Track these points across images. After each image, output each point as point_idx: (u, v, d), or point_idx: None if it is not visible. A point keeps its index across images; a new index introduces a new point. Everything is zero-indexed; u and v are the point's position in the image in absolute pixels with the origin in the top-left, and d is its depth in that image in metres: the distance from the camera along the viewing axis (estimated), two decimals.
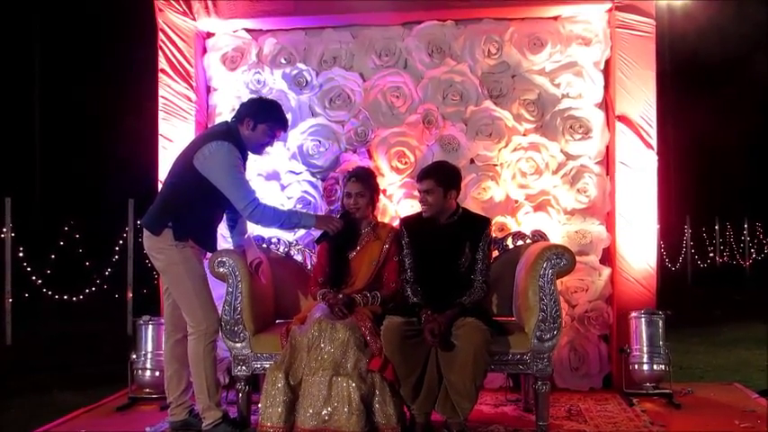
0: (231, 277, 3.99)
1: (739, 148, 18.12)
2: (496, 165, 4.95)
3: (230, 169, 3.84)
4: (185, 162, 3.89)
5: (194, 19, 5.02)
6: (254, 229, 4.53)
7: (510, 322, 4.08)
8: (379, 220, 4.38)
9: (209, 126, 5.00)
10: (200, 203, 3.90)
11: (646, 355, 4.55)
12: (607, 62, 4.95)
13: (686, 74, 16.58)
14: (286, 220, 3.97)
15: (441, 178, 3.93)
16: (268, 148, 4.22)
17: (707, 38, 14.46)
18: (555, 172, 4.90)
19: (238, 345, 4.00)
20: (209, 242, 4.06)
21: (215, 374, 3.94)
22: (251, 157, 4.16)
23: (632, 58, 4.81)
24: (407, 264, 4.01)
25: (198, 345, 3.88)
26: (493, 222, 4.52)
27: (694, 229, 15.67)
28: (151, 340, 4.66)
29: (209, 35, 5.20)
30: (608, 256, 4.91)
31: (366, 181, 4.14)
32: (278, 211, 3.99)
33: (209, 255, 4.10)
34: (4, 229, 7.76)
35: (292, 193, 4.97)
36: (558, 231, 4.85)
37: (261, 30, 5.15)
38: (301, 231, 4.81)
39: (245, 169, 4.00)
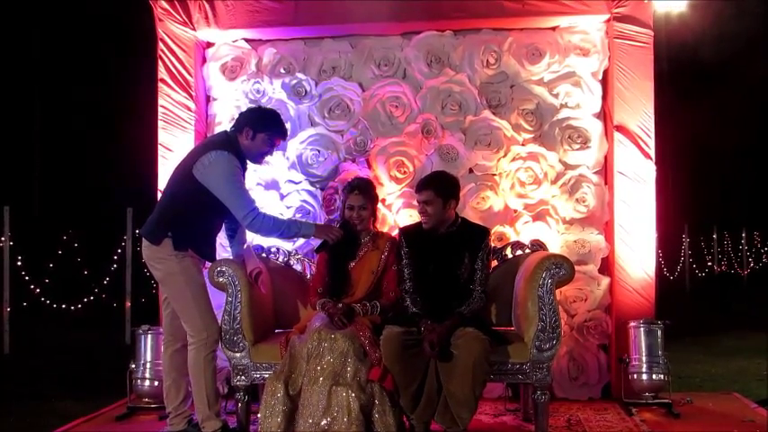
0: (231, 287, 3.99)
1: (737, 157, 18.17)
2: (495, 174, 4.96)
3: (230, 178, 3.85)
4: (185, 172, 3.90)
5: (194, 29, 5.03)
6: (253, 238, 4.54)
7: (509, 332, 4.08)
8: (378, 229, 4.38)
9: (208, 136, 5.01)
10: (199, 213, 3.91)
11: (645, 365, 4.55)
12: (605, 72, 4.97)
13: (684, 84, 16.63)
14: (285, 229, 3.98)
15: (440, 189, 3.94)
16: (267, 158, 4.23)
17: (704, 43, 14.50)
18: (553, 182, 4.91)
19: (238, 354, 3.99)
20: (208, 251, 4.06)
21: (215, 384, 3.93)
22: (250, 166, 4.17)
23: (630, 68, 4.83)
24: (407, 274, 4.01)
25: (198, 354, 3.88)
26: (492, 232, 4.53)
27: (692, 238, 15.69)
28: (150, 350, 4.65)
29: (209, 45, 5.21)
30: (607, 266, 4.91)
31: (368, 193, 4.14)
32: (277, 220, 4.00)
33: (208, 264, 4.11)
34: (3, 238, 7.75)
35: (291, 202, 4.98)
36: (557, 241, 4.86)
37: (260, 40, 5.17)
38: (301, 241, 4.82)
39: (244, 179, 4.01)
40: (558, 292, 3.95)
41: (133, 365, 4.65)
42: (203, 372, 3.87)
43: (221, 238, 4.29)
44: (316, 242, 4.44)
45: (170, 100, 5.03)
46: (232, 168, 3.85)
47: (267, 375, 3.90)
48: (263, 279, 4.08)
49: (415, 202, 4.12)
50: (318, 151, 5.00)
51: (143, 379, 4.63)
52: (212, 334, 3.90)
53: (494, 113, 4.96)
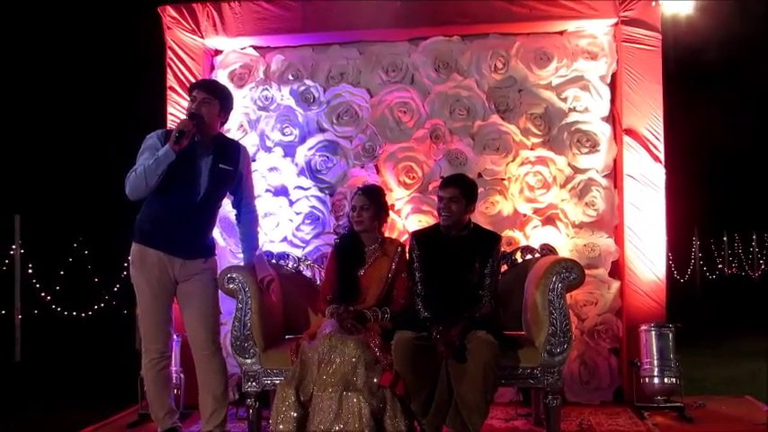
0: (241, 293, 4.00)
1: (747, 159, 18.09)
2: (504, 179, 4.95)
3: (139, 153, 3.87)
4: None
5: (202, 36, 5.06)
6: (263, 244, 4.54)
7: (520, 336, 4.07)
8: (387, 235, 4.36)
9: None
10: (151, 195, 3.84)
11: (656, 369, 4.52)
12: (613, 76, 4.96)
13: (693, 86, 16.57)
14: (146, 171, 3.72)
15: (465, 189, 3.96)
16: (277, 164, 4.21)
17: (713, 45, 14.44)
18: (562, 186, 4.90)
19: (248, 361, 4.00)
20: (156, 240, 3.85)
21: (155, 393, 3.96)
22: (260, 173, 4.38)
23: (638, 71, 4.82)
24: (418, 277, 4.00)
25: (143, 360, 3.95)
26: (501, 236, 4.52)
27: (703, 240, 15.63)
28: None
29: (218, 52, 5.24)
30: (617, 269, 4.90)
31: (372, 195, 4.11)
32: (138, 170, 3.76)
33: (181, 273, 3.90)
34: (14, 246, 7.80)
35: (301, 208, 4.99)
36: (567, 245, 4.85)
37: (268, 47, 5.19)
38: (310, 246, 4.85)
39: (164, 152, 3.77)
40: (568, 296, 3.94)
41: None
42: (145, 378, 3.97)
43: (232, 245, 4.26)
44: (326, 248, 4.44)
45: (179, 108, 5.04)
46: (144, 143, 3.89)
47: (278, 381, 3.90)
48: (274, 287, 4.07)
49: (425, 207, 4.11)
50: (327, 157, 5.01)
51: None
52: (147, 344, 3.91)
53: (502, 118, 4.95)
